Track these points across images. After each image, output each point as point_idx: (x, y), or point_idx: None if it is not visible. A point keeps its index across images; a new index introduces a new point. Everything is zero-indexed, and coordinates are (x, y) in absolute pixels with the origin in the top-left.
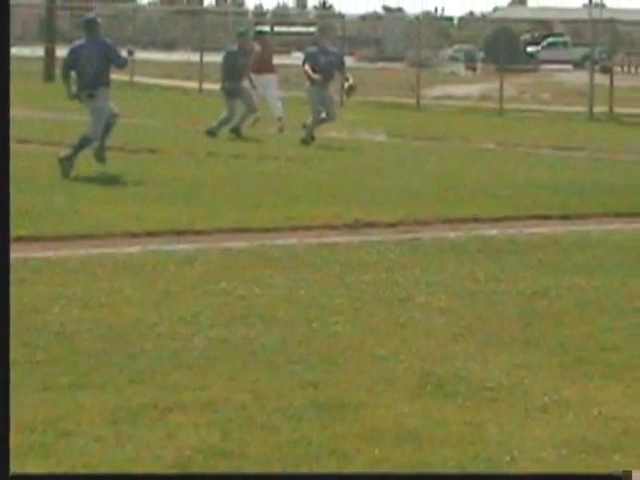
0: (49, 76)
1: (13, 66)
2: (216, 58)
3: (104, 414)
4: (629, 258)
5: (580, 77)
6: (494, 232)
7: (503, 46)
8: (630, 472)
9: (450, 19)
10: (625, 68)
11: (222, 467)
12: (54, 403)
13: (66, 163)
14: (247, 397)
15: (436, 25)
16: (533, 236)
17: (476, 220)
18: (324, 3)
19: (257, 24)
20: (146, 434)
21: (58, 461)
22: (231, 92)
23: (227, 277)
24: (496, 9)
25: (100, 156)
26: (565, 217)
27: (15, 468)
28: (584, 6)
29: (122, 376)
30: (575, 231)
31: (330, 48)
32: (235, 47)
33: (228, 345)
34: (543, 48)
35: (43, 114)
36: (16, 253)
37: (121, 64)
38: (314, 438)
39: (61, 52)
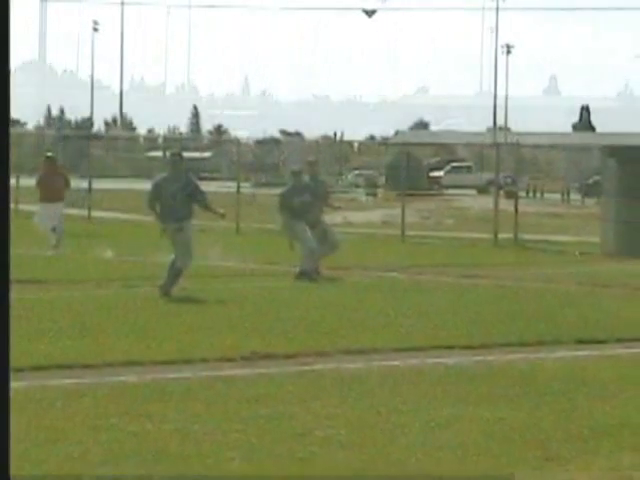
0: None
1: None
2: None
3: None
4: (534, 388)
5: (484, 202)
6: (396, 363)
7: (405, 171)
8: None
9: (350, 143)
10: (530, 193)
11: None
12: None
13: None
14: None
15: (336, 150)
16: (436, 366)
17: (376, 351)
18: (219, 127)
19: (150, 149)
20: None
21: None
22: None
23: (117, 412)
24: (397, 133)
25: None
26: (468, 347)
27: None
28: (488, 130)
29: None
30: (479, 361)
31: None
32: None
33: None
34: (447, 173)
35: None
36: None
37: None
38: None
39: None
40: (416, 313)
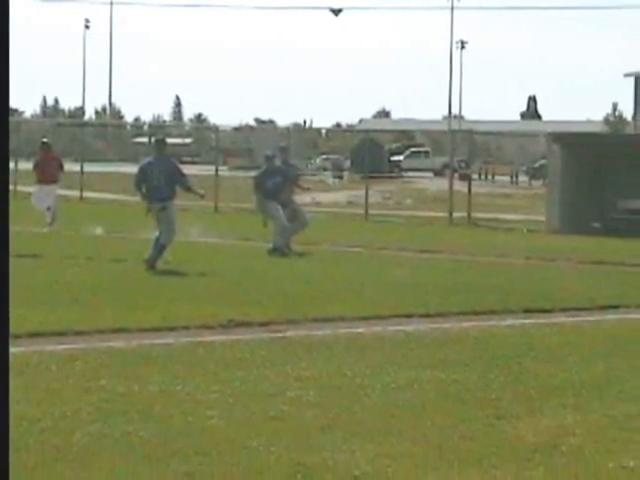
0: None
1: None
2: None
3: None
4: (486, 353)
5: (440, 184)
6: (360, 330)
7: (368, 155)
8: None
9: (318, 130)
10: (482, 176)
11: None
12: None
13: None
14: None
15: (305, 136)
16: (397, 333)
17: (343, 319)
18: (199, 115)
19: (136, 135)
20: None
21: None
22: None
23: (106, 375)
24: (361, 121)
25: None
26: (426, 315)
27: None
28: (444, 118)
29: None
30: (435, 328)
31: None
32: None
33: (108, 439)
34: (406, 157)
35: None
36: None
37: None
38: None
39: None
40: (378, 285)
